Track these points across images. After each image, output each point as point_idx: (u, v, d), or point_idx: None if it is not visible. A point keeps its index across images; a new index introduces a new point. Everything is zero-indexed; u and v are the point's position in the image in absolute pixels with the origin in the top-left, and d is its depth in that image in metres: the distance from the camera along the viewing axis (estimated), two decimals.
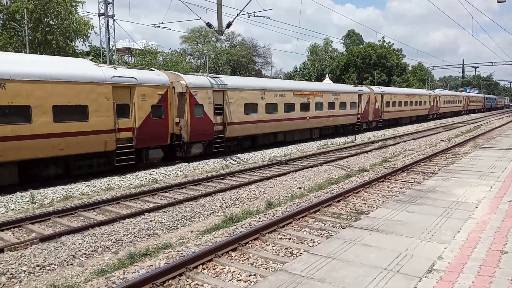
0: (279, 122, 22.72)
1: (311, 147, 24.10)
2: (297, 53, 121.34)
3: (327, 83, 37.47)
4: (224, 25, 17.55)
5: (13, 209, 10.87)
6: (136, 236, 8.41)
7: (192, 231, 9.01)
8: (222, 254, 6.87)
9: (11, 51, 27.13)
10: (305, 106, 24.70)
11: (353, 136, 28.71)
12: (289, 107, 23.43)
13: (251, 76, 55.19)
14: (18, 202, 11.31)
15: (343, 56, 73.74)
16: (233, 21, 17.81)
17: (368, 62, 66.48)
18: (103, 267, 6.90)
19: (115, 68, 15.18)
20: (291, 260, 6.26)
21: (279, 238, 7.89)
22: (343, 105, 28.81)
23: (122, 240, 8.13)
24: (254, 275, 6.14)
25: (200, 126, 17.81)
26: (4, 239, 8.47)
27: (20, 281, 6.39)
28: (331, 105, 27.42)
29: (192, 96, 17.42)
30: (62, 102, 13.04)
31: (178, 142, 17.52)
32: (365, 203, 10.50)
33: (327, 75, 57.67)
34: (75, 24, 30.79)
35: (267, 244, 7.55)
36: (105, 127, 14.25)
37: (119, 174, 14.98)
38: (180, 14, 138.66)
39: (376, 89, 35.55)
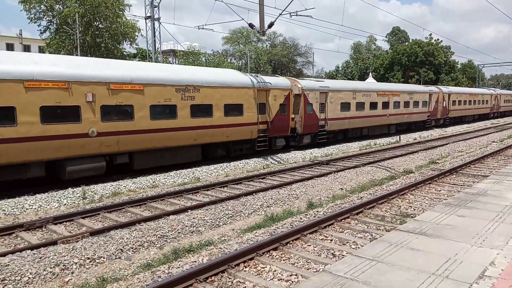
0: (365, 119, 26.26)
1: (353, 147, 23.70)
2: (340, 52, 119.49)
3: (402, 84, 41.99)
4: (266, 25, 17.60)
5: (65, 204, 11.46)
6: (180, 233, 8.61)
7: (233, 229, 9.11)
8: (263, 253, 6.89)
9: (63, 54, 28.64)
10: (385, 105, 28.01)
11: (397, 136, 28.24)
12: (373, 105, 26.77)
13: (292, 76, 54.98)
14: (69, 197, 11.91)
15: (387, 54, 71.70)
16: (275, 21, 17.84)
17: (414, 60, 64.27)
18: (149, 261, 7.13)
19: (256, 76, 19.47)
20: (334, 261, 6.18)
21: (321, 239, 7.81)
22: (416, 103, 31.92)
23: (167, 236, 8.36)
24: (296, 275, 6.11)
25: (310, 121, 21.86)
26: (57, 232, 8.96)
27: (72, 273, 6.73)
28: (407, 104, 30.67)
29: (306, 96, 21.45)
30: (229, 102, 17.29)
31: (292, 134, 21.25)
32: (410, 206, 10.16)
33: (370, 74, 56.36)
34: (122, 27, 32.00)
35: (308, 245, 7.49)
36: (252, 120, 18.37)
37: (163, 172, 15.42)
38: (222, 16, 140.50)
39: (444, 89, 37.92)
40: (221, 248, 7.40)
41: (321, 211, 9.88)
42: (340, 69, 78.99)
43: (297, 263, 6.66)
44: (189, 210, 10.24)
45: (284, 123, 20.15)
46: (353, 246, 7.32)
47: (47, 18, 30.42)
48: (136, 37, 33.26)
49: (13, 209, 10.69)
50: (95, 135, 13.13)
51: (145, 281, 5.91)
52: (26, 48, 50.10)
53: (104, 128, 13.35)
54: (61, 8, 29.58)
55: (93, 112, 13.07)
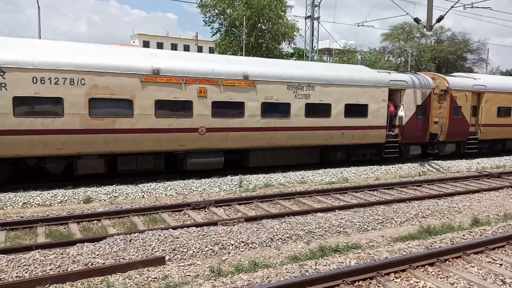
0: None
1: None
2: None
3: None
4: (434, 19, 16.17)
5: (224, 190, 12.63)
6: (326, 231, 8.61)
7: (383, 236, 8.68)
8: (417, 267, 6.38)
9: (229, 54, 31.48)
10: None
11: None
12: None
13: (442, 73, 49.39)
14: (228, 184, 13.07)
15: None
16: (445, 14, 16.32)
17: None
18: (296, 254, 7.33)
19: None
20: None
21: (487, 262, 6.84)
22: None
23: (314, 232, 8.45)
24: None
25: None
26: (217, 214, 9.94)
27: (229, 253, 7.37)
28: None
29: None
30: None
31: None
32: None
33: None
34: (283, 27, 33.48)
35: (471, 266, 6.64)
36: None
37: (312, 169, 15.65)
38: (380, 12, 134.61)
39: None
40: (369, 254, 7.12)
41: (489, 230, 8.65)
42: None
43: (457, 283, 5.97)
44: (337, 210, 10.16)
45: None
46: None
47: (219, 21, 33.92)
48: (294, 37, 34.45)
49: (183, 189, 12.26)
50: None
51: (293, 272, 6.08)
52: (200, 49, 56.70)
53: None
54: (231, 12, 32.55)
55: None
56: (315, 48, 27.99)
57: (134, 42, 67.99)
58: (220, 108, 13.35)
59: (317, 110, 15.03)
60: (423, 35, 59.91)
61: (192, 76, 12.84)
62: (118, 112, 11.94)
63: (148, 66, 12.25)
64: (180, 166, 13.72)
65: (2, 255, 6.55)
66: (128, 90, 11.97)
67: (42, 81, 10.93)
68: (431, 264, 6.55)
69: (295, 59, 40.75)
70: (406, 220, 9.78)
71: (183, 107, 12.84)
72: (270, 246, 7.76)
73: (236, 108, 13.62)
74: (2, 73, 10.52)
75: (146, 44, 64.87)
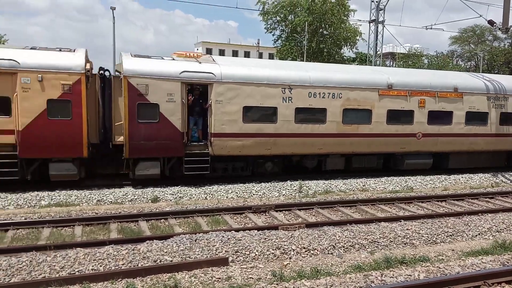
0: None
1: None
2: None
3: None
4: (511, 21, 15.09)
5: (283, 195, 12.65)
6: (391, 242, 8.32)
7: (453, 250, 8.21)
8: (492, 284, 5.97)
9: (289, 59, 31.54)
10: None
11: None
12: None
13: None
14: (287, 189, 13.07)
15: None
16: None
17: None
18: (360, 263, 7.15)
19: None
20: None
21: None
22: None
23: (378, 242, 8.20)
24: None
25: None
26: (277, 218, 9.98)
27: (290, 258, 7.37)
28: None
29: None
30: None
31: None
32: None
33: None
34: (345, 32, 32.96)
35: None
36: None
37: (374, 177, 15.21)
38: (448, 14, 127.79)
39: None
40: (439, 268, 6.78)
41: None
42: None
43: None
44: (402, 220, 9.77)
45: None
46: None
47: (280, 28, 34.14)
48: (357, 41, 33.77)
49: (243, 193, 12.46)
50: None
51: (358, 282, 5.95)
52: (260, 55, 57.43)
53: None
54: (293, 18, 32.63)
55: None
56: (378, 53, 27.23)
57: (197, 49, 70.46)
58: (434, 117, 15.58)
59: (510, 118, 16.77)
60: (496, 38, 55.90)
61: (415, 89, 15.25)
62: (361, 120, 14.63)
63: (384, 81, 14.85)
64: (394, 166, 16.04)
65: (80, 249, 7.07)
66: (369, 101, 14.64)
67: (314, 95, 13.80)
68: (508, 282, 6.10)
69: (357, 64, 39.94)
70: (479, 234, 9.18)
71: (406, 116, 15.28)
72: (332, 253, 7.65)
73: (446, 117, 15.78)
74: (290, 89, 13.37)
75: (209, 51, 66.92)
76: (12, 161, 11.11)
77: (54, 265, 6.40)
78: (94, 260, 6.68)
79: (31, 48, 11.97)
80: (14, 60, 10.93)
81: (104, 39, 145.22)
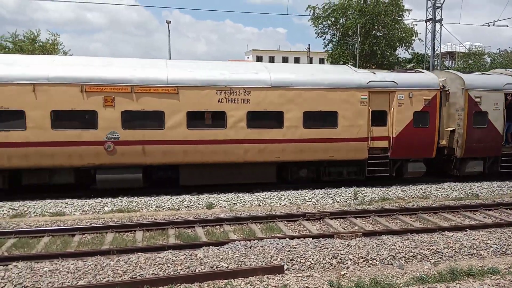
0: None
1: None
2: None
3: None
4: None
5: (338, 202, 12.35)
6: (457, 252, 7.81)
7: None
8: None
9: (341, 63, 30.98)
10: None
11: None
12: None
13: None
14: (342, 196, 12.76)
15: None
16: None
17: None
18: (423, 275, 6.77)
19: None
20: None
21: None
22: None
23: (442, 253, 7.73)
24: None
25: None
26: (332, 226, 9.76)
27: (347, 267, 7.15)
28: None
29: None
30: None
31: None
32: None
33: None
34: (399, 32, 31.83)
35: None
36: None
37: (435, 183, 14.49)
38: (510, 10, 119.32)
39: None
40: (511, 281, 6.27)
41: None
42: None
43: None
44: (468, 229, 9.18)
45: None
46: None
47: (331, 32, 33.63)
48: (413, 41, 32.42)
49: (296, 199, 12.34)
50: None
51: None
52: (311, 60, 57.07)
53: None
54: (344, 21, 32.05)
55: None
56: (436, 53, 25.98)
57: (248, 57, 71.47)
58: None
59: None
60: None
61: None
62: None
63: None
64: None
65: (141, 253, 7.33)
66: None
67: None
68: None
69: (414, 65, 38.40)
70: None
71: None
72: (392, 264, 7.33)
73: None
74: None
75: (259, 59, 67.66)
76: (385, 161, 13.97)
77: (117, 269, 6.67)
78: (154, 264, 6.89)
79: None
80: (394, 82, 13.83)
81: (160, 51, 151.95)
